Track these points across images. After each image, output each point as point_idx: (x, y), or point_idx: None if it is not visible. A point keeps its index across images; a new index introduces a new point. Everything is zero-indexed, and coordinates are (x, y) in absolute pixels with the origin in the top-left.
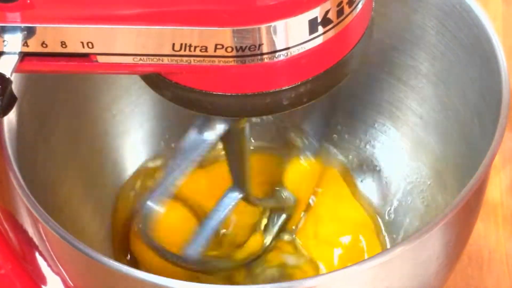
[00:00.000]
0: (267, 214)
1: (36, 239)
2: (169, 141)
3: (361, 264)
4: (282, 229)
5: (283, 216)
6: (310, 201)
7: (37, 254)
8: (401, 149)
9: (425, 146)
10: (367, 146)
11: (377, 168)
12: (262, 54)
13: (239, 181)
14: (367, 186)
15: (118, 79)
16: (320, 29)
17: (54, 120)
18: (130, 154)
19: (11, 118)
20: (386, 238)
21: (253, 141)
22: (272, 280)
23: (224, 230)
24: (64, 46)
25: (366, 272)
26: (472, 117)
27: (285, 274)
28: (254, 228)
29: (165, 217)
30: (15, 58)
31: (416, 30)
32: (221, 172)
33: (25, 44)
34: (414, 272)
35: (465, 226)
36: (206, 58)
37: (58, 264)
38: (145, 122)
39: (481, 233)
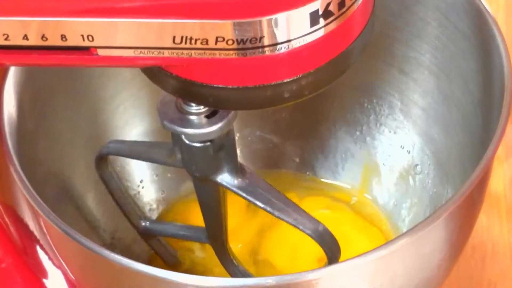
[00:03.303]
0: None
1: (37, 233)
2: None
3: (364, 256)
4: None
5: None
6: None
7: (38, 248)
8: (403, 141)
9: (427, 138)
10: (368, 138)
11: (380, 156)
12: (263, 46)
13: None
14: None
15: (118, 72)
16: (322, 22)
17: (55, 113)
18: None
19: (11, 111)
20: (390, 230)
21: None
22: None
23: None
24: (64, 39)
25: (369, 264)
26: (474, 108)
27: None
28: None
29: None
30: None
31: (418, 22)
32: None
33: (25, 37)
34: (417, 264)
35: (468, 218)
36: (207, 51)
37: (59, 258)
38: (146, 116)
39: (484, 225)
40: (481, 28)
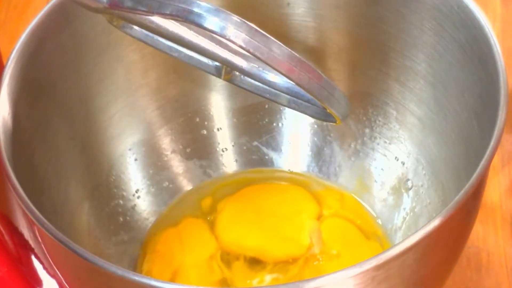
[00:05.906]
0: None
1: (31, 242)
2: (166, 143)
3: (357, 266)
4: None
5: None
6: None
7: (33, 257)
8: (398, 151)
9: (423, 148)
10: (363, 149)
11: (374, 170)
12: None
13: None
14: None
15: (115, 80)
16: None
17: (50, 121)
18: (127, 156)
19: (6, 119)
20: (384, 240)
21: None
22: None
23: None
24: None
25: (362, 275)
26: (470, 118)
27: None
28: None
29: None
30: None
31: (414, 31)
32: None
33: None
34: (412, 274)
35: (463, 228)
36: None
37: (54, 267)
38: (141, 124)
39: (480, 235)
40: (477, 38)
